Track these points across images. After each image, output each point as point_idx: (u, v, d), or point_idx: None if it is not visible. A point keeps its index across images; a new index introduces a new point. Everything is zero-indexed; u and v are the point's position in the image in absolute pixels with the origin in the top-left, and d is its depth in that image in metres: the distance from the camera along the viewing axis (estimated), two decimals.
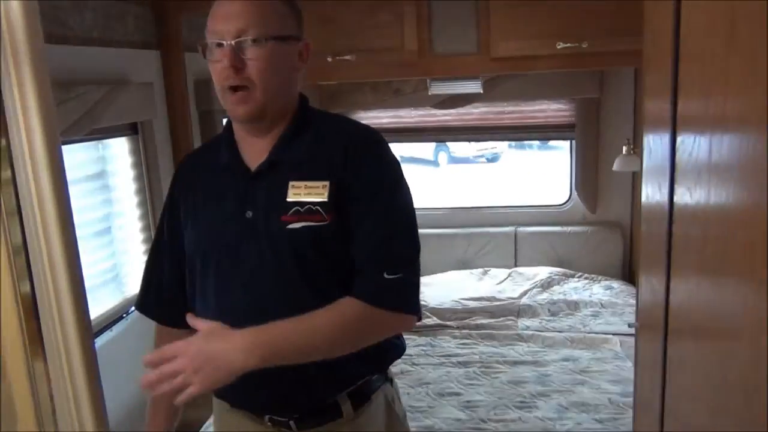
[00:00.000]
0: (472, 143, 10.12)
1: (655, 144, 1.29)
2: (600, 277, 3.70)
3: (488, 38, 2.67)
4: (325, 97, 3.84)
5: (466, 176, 10.34)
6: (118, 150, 2.47)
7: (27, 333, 1.04)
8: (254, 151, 1.23)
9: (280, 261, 1.18)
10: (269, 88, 1.15)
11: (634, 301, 3.36)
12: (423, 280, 3.84)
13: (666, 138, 1.11)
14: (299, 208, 1.16)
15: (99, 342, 2.24)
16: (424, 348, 3.02)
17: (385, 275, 1.15)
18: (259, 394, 1.23)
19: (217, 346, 1.06)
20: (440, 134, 4.23)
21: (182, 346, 1.06)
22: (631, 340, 2.95)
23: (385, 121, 4.02)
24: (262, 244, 1.18)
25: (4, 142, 1.03)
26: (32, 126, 1.04)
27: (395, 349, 1.32)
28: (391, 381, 1.36)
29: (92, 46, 2.28)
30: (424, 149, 10.62)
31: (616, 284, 3.62)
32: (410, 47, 2.71)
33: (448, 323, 3.25)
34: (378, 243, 1.17)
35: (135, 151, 2.55)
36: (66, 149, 2.18)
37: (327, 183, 1.16)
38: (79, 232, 2.18)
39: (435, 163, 10.95)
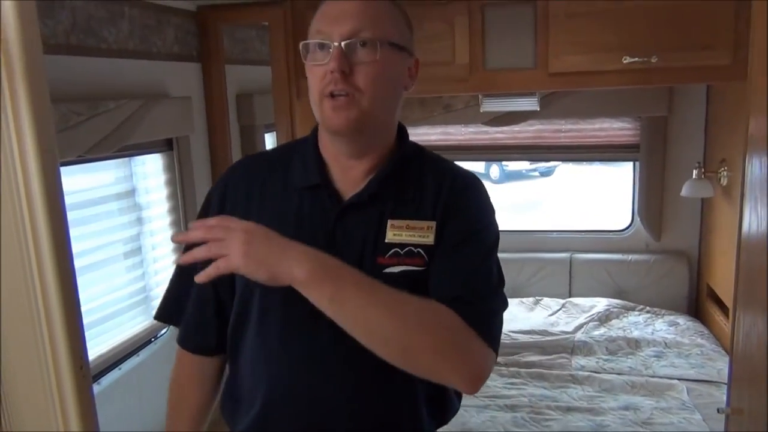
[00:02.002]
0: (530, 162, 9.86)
1: (761, 167, 1.10)
2: (663, 312, 3.41)
3: (546, 52, 2.46)
4: None
5: (519, 192, 10.06)
6: (151, 167, 2.37)
7: None
8: (347, 177, 1.08)
9: None
10: (377, 98, 1.00)
11: (702, 341, 3.09)
12: None
13: None
14: (399, 249, 1.03)
15: (126, 366, 2.14)
16: None
17: (478, 304, 1.01)
18: None
19: (278, 238, 0.93)
20: (492, 153, 4.04)
21: (240, 221, 0.94)
22: (700, 387, 2.69)
23: (433, 138, 3.85)
24: None
25: None
26: (26, 147, 0.93)
27: (454, 405, 1.18)
28: None
29: (127, 58, 2.19)
30: (475, 162, 10.42)
31: (682, 320, 3.33)
32: (462, 61, 2.52)
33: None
34: (469, 275, 1.02)
35: (169, 168, 2.44)
36: (93, 167, 2.10)
37: (433, 224, 1.03)
38: (106, 253, 2.07)
39: (486, 176, 10.73)
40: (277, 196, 1.10)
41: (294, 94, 2.68)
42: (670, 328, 3.24)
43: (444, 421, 1.17)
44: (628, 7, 2.34)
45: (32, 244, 0.93)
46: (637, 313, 3.41)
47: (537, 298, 3.62)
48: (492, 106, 3.22)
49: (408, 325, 0.94)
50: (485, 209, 1.10)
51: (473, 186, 1.11)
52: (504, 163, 10.56)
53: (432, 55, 2.52)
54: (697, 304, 3.54)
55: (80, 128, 1.85)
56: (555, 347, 3.07)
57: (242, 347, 1.13)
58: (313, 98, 1.03)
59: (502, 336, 3.18)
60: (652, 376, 2.80)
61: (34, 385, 0.96)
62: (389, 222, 1.03)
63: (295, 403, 1.08)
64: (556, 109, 3.43)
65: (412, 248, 1.02)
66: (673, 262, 3.53)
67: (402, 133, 1.13)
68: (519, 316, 3.45)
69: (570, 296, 3.63)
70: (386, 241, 1.03)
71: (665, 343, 3.08)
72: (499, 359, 2.98)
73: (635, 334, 3.17)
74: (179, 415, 1.25)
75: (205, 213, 1.16)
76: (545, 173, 10.98)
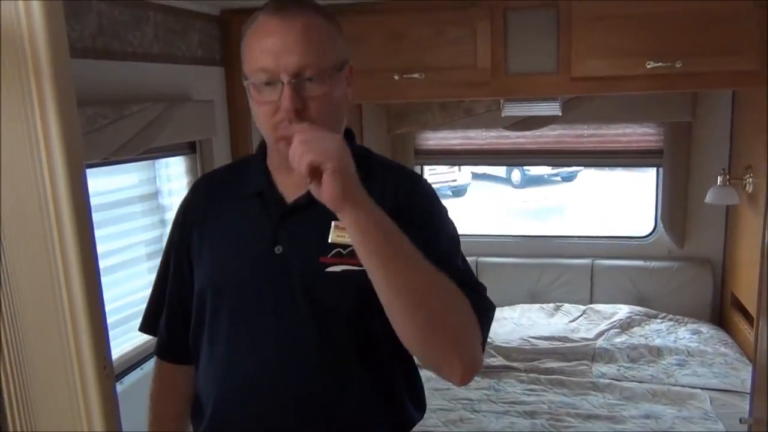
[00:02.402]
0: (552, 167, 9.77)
1: None
2: (686, 320, 3.35)
3: (569, 56, 2.44)
4: (392, 117, 3.69)
5: (540, 197, 10.00)
6: (174, 169, 2.40)
7: None
8: (291, 183, 1.10)
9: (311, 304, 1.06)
10: (330, 124, 1.01)
11: (726, 350, 3.04)
12: None
13: None
14: (342, 249, 1.04)
15: (148, 366, 2.14)
16: (488, 392, 2.78)
17: (479, 294, 1.04)
18: None
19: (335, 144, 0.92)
20: (513, 157, 4.01)
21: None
22: (724, 397, 2.64)
23: (454, 142, 3.84)
24: (292, 285, 1.06)
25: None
26: (53, 150, 0.95)
27: (411, 415, 1.20)
28: None
29: (152, 62, 2.22)
30: (497, 166, 10.35)
31: (705, 328, 3.27)
32: (483, 65, 2.51)
33: (515, 365, 2.99)
34: (445, 262, 1.00)
35: (192, 170, 2.47)
36: (118, 169, 2.14)
37: None
38: (130, 254, 2.10)
39: (508, 180, 10.69)
40: (230, 204, 1.16)
41: None
42: (693, 336, 3.19)
43: (402, 425, 1.17)
44: (653, 12, 2.31)
45: (58, 244, 0.95)
46: (659, 320, 3.36)
47: (557, 304, 3.58)
48: (513, 110, 3.20)
49: (445, 299, 0.94)
50: (439, 208, 1.13)
51: (422, 186, 1.15)
52: (525, 167, 10.50)
53: (454, 59, 2.52)
54: (721, 312, 3.48)
55: (106, 131, 1.89)
56: (575, 354, 3.04)
57: (200, 350, 1.16)
58: (263, 132, 1.06)
59: (521, 341, 3.17)
60: (674, 385, 2.75)
61: (59, 383, 0.98)
62: (333, 223, 1.03)
63: (245, 403, 1.10)
64: (579, 113, 3.40)
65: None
66: (696, 270, 3.47)
67: (349, 135, 1.13)
68: (539, 322, 3.42)
69: (591, 303, 3.58)
70: (330, 241, 1.04)
71: (688, 352, 3.03)
72: (519, 365, 2.97)
73: (657, 342, 3.13)
74: (159, 426, 1.28)
75: (178, 228, 1.22)
76: (567, 178, 10.88)
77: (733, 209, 3.35)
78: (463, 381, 0.97)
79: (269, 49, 0.99)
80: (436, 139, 3.85)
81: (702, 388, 2.70)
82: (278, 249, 1.08)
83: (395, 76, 2.54)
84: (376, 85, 2.61)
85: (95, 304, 0.94)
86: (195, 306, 1.16)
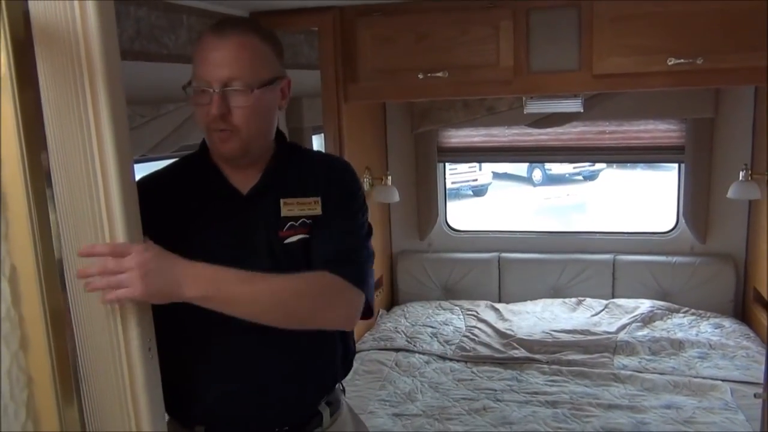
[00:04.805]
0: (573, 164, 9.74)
1: None
2: (708, 314, 3.38)
3: (591, 54, 2.48)
4: (416, 116, 3.75)
5: (562, 193, 9.97)
6: None
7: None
8: (242, 177, 1.29)
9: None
10: (252, 132, 1.22)
11: (748, 343, 3.06)
12: (511, 307, 3.68)
13: None
14: (294, 222, 1.26)
15: None
16: (510, 383, 2.84)
17: (346, 260, 1.25)
18: (254, 411, 1.28)
19: (168, 263, 1.06)
20: (535, 154, 4.05)
21: (139, 247, 1.04)
22: (744, 389, 2.67)
23: (476, 139, 3.89)
24: (262, 263, 1.21)
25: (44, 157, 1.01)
26: (105, 145, 1.02)
27: (352, 355, 1.44)
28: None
29: (186, 63, 2.30)
30: (518, 165, 10.31)
31: (728, 323, 3.29)
32: (506, 64, 2.57)
33: (537, 356, 3.05)
34: (339, 241, 1.26)
35: None
36: (154, 166, 2.23)
37: (318, 199, 1.27)
38: None
39: (529, 180, 10.68)
40: (192, 201, 1.29)
41: (342, 98, 2.76)
42: (716, 330, 3.21)
43: (347, 370, 1.42)
44: (674, 9, 2.34)
45: (108, 230, 1.03)
46: (681, 315, 3.39)
47: (580, 298, 3.62)
48: (536, 107, 3.25)
49: (285, 299, 1.16)
50: (352, 183, 1.34)
51: (343, 167, 1.36)
52: (547, 166, 10.46)
53: (476, 58, 2.58)
54: (744, 307, 3.49)
55: (143, 129, 1.98)
56: (597, 347, 3.08)
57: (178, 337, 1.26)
58: (203, 130, 1.25)
59: (543, 334, 3.23)
60: (696, 377, 2.78)
61: (108, 364, 1.06)
62: (282, 201, 1.26)
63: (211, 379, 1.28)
64: (600, 110, 3.43)
65: (305, 220, 1.26)
66: (719, 265, 3.48)
67: (280, 136, 1.35)
68: (561, 316, 3.47)
69: (613, 297, 3.61)
70: (282, 215, 1.25)
71: (710, 345, 3.05)
72: (540, 357, 3.03)
73: (679, 335, 3.15)
74: None
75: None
76: (589, 177, 10.82)
77: (755, 204, 3.36)
78: (349, 326, 1.32)
79: (208, 60, 1.18)
80: (458, 136, 3.91)
81: (723, 380, 2.73)
82: (245, 234, 1.25)
83: (420, 75, 2.60)
84: (401, 84, 2.68)
85: None
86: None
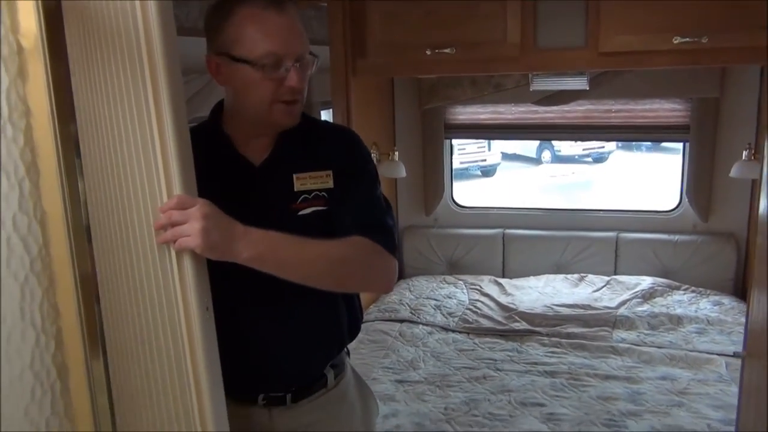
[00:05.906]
0: (578, 142, 9.74)
1: None
2: (709, 292, 3.43)
3: (597, 31, 2.51)
4: (423, 92, 3.79)
5: (567, 171, 9.98)
6: None
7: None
8: (254, 148, 1.33)
9: None
10: (304, 100, 1.30)
11: (745, 320, 3.11)
12: (515, 282, 3.74)
13: None
14: (307, 195, 1.30)
15: None
16: (510, 353, 2.92)
17: (379, 228, 1.31)
18: (263, 371, 1.35)
19: (227, 222, 1.10)
20: (541, 132, 4.08)
21: (204, 201, 1.06)
22: (739, 362, 2.73)
23: (483, 116, 3.92)
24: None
25: (73, 129, 1.05)
26: (164, 117, 1.06)
27: (359, 322, 1.49)
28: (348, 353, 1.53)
29: (197, 36, 2.35)
30: (527, 146, 10.35)
31: (727, 300, 3.35)
32: (513, 40, 2.60)
33: (538, 329, 3.12)
34: (366, 210, 1.32)
35: None
36: None
37: (330, 172, 1.30)
38: None
39: (538, 161, 10.68)
40: (208, 168, 1.25)
41: (350, 73, 2.81)
42: (714, 307, 3.27)
43: (354, 335, 1.48)
44: None
45: (165, 189, 1.07)
46: (681, 292, 3.44)
47: (582, 274, 3.68)
48: (542, 85, 3.28)
49: (334, 263, 1.22)
50: (364, 154, 1.39)
51: (353, 138, 1.40)
52: (556, 147, 10.47)
53: (484, 35, 2.61)
54: (744, 285, 3.54)
55: None
56: (597, 321, 3.15)
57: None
58: (263, 103, 1.24)
59: (544, 308, 3.30)
60: (692, 350, 2.85)
61: (167, 322, 1.10)
62: (295, 176, 1.29)
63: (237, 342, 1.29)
64: (607, 89, 3.46)
65: (318, 192, 1.30)
66: (720, 244, 3.53)
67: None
68: (563, 291, 3.53)
69: (615, 274, 3.66)
70: (295, 190, 1.29)
71: (708, 321, 3.12)
72: (541, 329, 3.10)
73: (678, 311, 3.21)
74: None
75: None
76: (598, 159, 10.80)
77: (757, 184, 3.39)
78: (390, 289, 1.44)
79: (278, 35, 1.21)
80: (465, 113, 3.95)
81: (719, 354, 2.80)
82: (258, 205, 1.27)
83: (427, 51, 2.64)
84: (409, 60, 2.72)
85: (197, 254, 1.06)
86: None
